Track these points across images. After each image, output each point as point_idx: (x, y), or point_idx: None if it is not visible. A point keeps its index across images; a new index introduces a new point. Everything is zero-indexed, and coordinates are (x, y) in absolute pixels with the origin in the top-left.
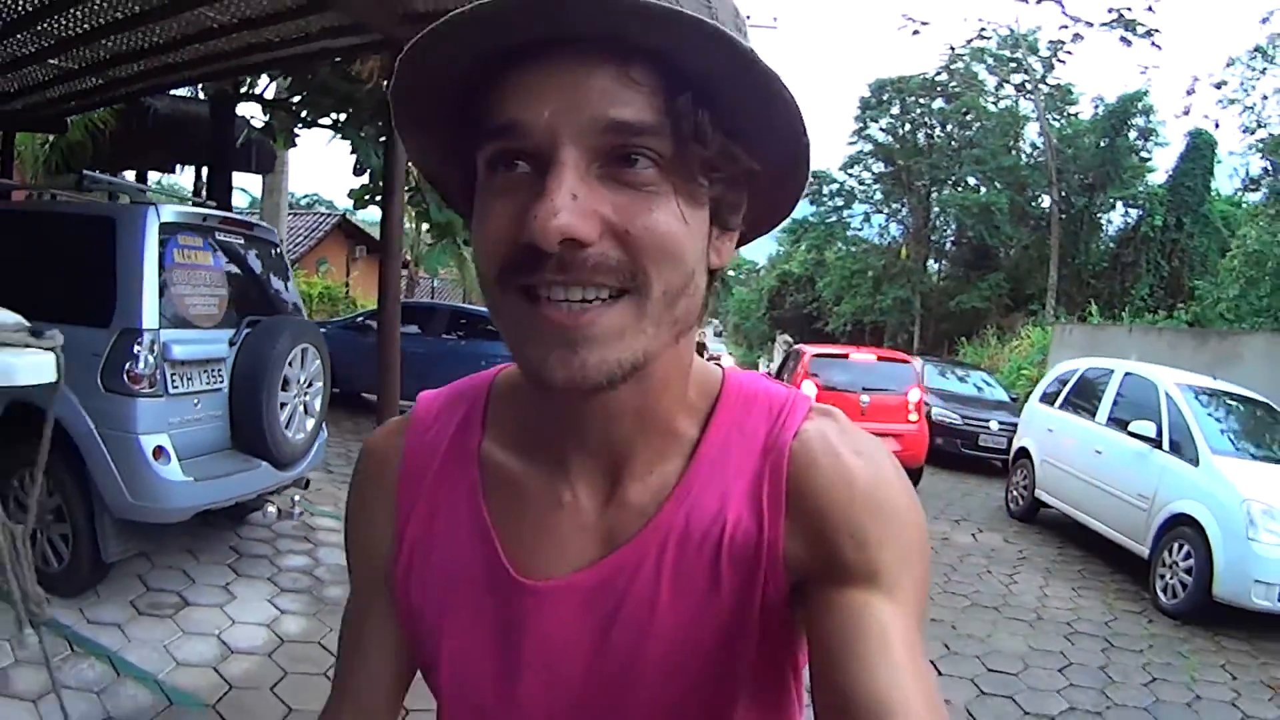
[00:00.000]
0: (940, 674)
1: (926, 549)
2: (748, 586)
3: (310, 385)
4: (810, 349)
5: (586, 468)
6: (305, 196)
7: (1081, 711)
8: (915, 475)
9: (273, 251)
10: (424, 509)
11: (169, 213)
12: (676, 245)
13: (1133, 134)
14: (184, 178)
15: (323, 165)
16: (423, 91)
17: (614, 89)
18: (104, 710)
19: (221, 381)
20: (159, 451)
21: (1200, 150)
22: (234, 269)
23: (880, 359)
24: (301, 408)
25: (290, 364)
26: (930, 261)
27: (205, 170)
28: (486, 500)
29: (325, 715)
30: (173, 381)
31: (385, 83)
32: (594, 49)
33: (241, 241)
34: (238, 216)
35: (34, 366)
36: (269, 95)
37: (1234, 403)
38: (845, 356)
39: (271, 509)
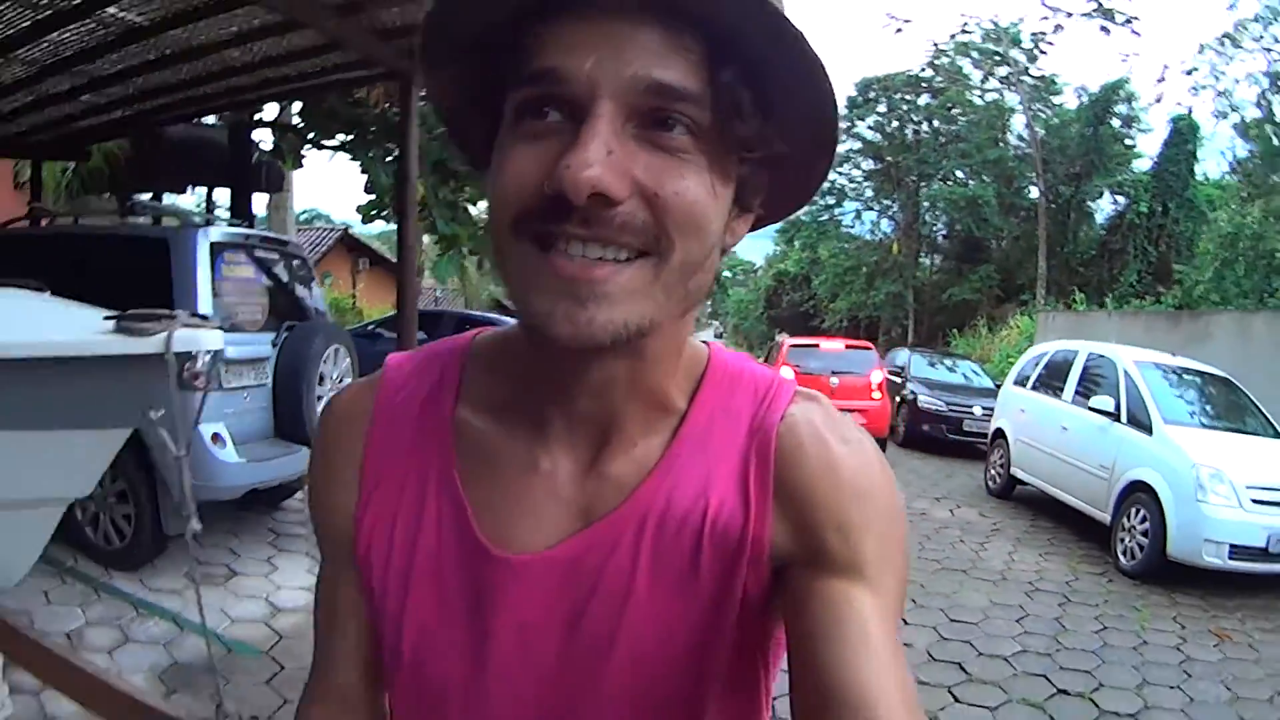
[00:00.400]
0: (906, 624)
1: (906, 539)
2: (729, 572)
3: (342, 380)
4: (789, 340)
5: (570, 434)
6: (304, 212)
7: (1032, 653)
8: (881, 446)
9: (300, 264)
10: (391, 475)
11: (216, 233)
12: (704, 216)
13: (1116, 122)
14: (183, 197)
15: (321, 181)
16: (460, 27)
17: (662, 51)
18: (171, 658)
19: (266, 377)
20: (216, 437)
21: (1183, 135)
22: (271, 280)
23: (848, 347)
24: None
25: (325, 362)
26: (922, 256)
27: (214, 191)
28: (459, 467)
29: (307, 692)
30: (226, 378)
31: (389, 107)
32: (643, 9)
33: (276, 256)
34: (273, 235)
35: (212, 337)
36: (279, 119)
37: (1190, 377)
38: (816, 346)
39: None
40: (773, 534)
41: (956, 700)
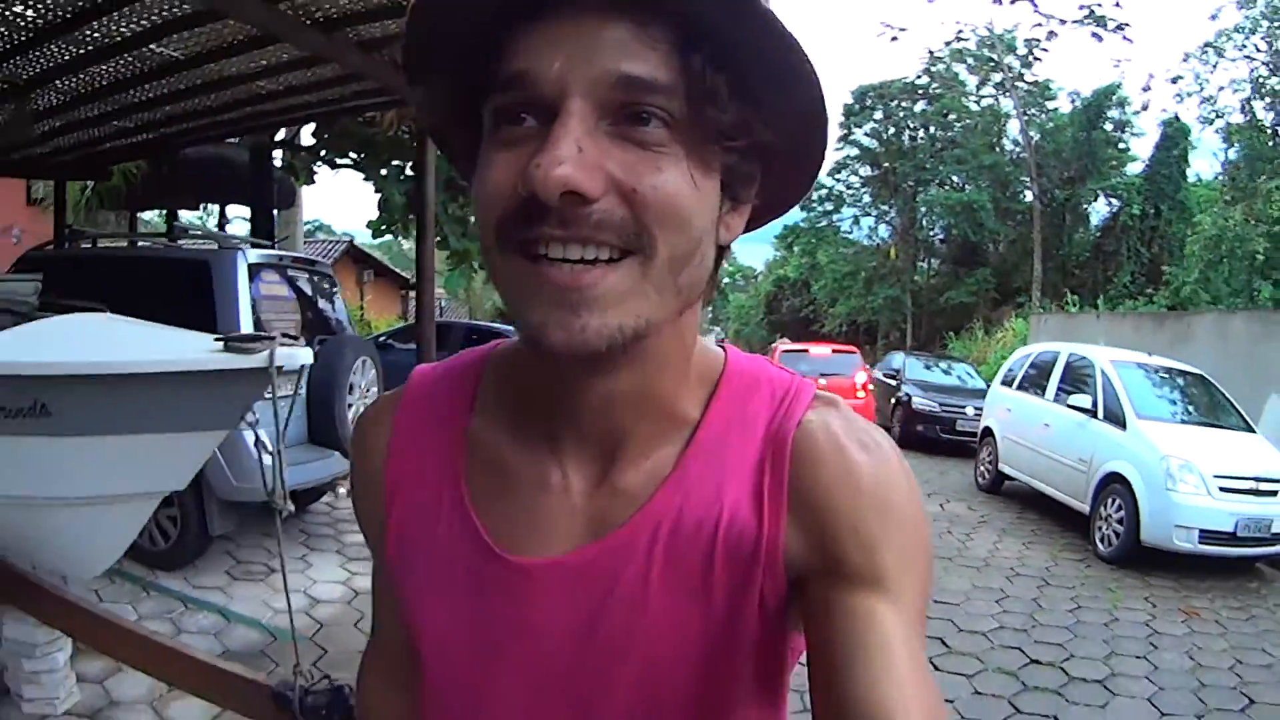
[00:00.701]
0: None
1: (929, 548)
2: (744, 582)
3: (369, 390)
4: (781, 345)
5: (579, 449)
6: (308, 223)
7: (1009, 629)
8: None
9: (327, 282)
10: (409, 485)
11: (253, 255)
12: (685, 209)
13: (1109, 126)
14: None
15: (323, 192)
16: (437, 39)
17: (629, 45)
18: (223, 646)
19: (301, 388)
20: (259, 443)
21: (1174, 139)
22: (302, 297)
23: (834, 351)
24: (363, 408)
25: (354, 373)
26: (919, 260)
27: (226, 206)
28: (470, 480)
29: (369, 648)
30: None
31: (400, 129)
32: (612, 5)
33: (305, 275)
34: (303, 256)
35: (305, 354)
36: (293, 139)
37: (1164, 375)
38: (806, 351)
39: (342, 490)
40: (787, 543)
41: (937, 669)
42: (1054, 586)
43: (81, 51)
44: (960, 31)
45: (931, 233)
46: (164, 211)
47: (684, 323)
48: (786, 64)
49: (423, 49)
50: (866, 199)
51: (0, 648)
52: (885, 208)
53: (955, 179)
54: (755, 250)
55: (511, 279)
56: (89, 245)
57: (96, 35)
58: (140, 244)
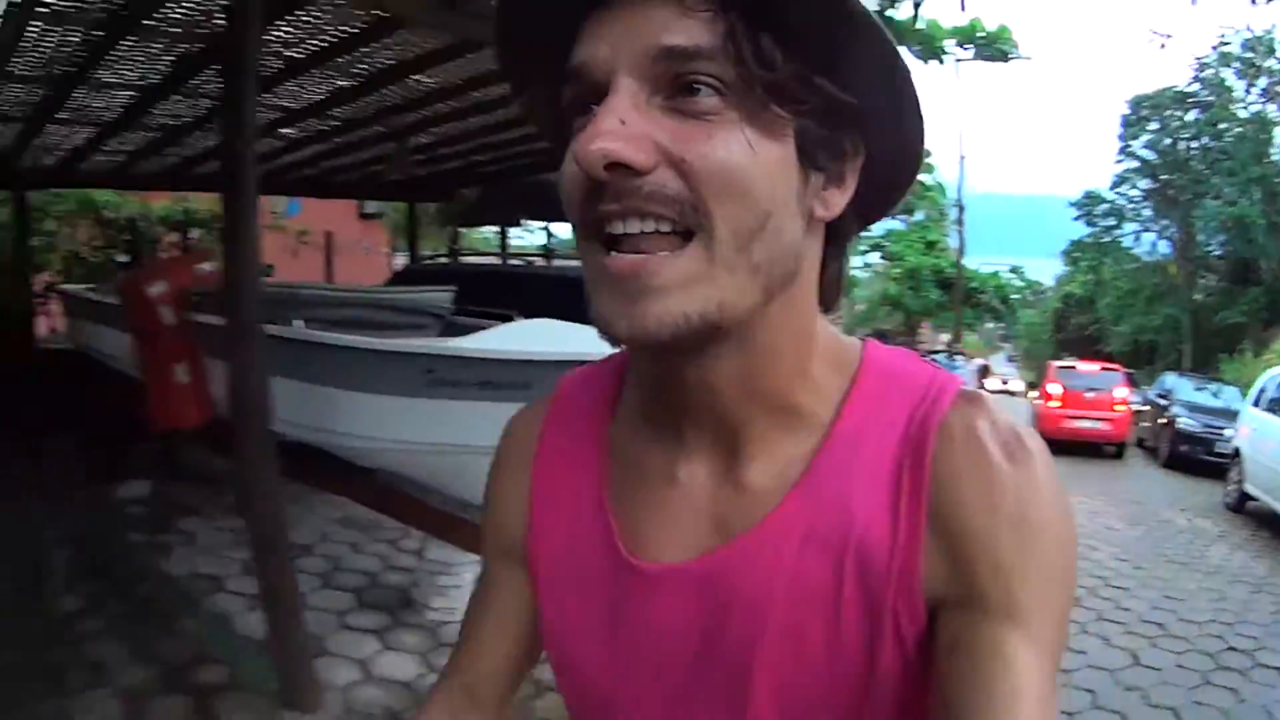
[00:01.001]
0: (1125, 590)
1: (1073, 572)
2: (876, 604)
3: None
4: (1055, 363)
5: (700, 440)
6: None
7: (1219, 623)
8: (1120, 448)
9: None
10: (555, 490)
11: None
12: (741, 176)
13: None
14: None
15: None
16: (522, 50)
17: (670, 18)
18: None
19: None
20: None
21: None
22: None
23: (1102, 369)
24: None
25: None
26: (1199, 277)
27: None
28: (610, 479)
29: (438, 688)
30: None
31: None
32: None
33: None
34: None
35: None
36: None
37: None
38: (1074, 368)
39: None
40: (926, 565)
41: (1154, 646)
42: (1266, 593)
43: (459, 107)
44: (1223, 35)
45: (1208, 249)
46: (498, 229)
47: (793, 308)
48: (833, 12)
49: (514, 62)
50: (1147, 213)
51: (417, 568)
52: (1165, 222)
53: (1228, 191)
54: (1045, 265)
55: (588, 269)
56: (446, 261)
57: (476, 95)
58: (513, 262)
